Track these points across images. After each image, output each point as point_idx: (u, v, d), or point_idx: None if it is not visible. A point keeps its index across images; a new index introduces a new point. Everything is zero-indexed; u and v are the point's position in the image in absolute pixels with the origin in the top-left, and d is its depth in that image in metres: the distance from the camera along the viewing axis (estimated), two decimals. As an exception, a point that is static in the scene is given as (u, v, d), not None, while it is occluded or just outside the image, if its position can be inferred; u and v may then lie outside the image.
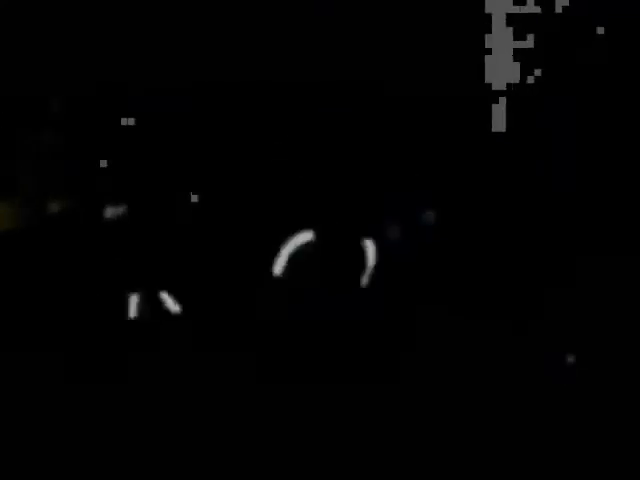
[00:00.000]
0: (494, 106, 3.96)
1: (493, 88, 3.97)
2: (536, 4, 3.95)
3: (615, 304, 3.76)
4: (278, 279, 3.85)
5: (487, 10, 3.96)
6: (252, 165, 4.04)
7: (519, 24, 3.96)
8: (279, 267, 3.86)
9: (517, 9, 3.96)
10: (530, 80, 3.95)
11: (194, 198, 4.01)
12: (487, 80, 3.98)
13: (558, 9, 3.92)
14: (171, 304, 3.90)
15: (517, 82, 3.96)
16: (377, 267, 3.87)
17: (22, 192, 4.06)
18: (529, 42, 3.95)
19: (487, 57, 3.97)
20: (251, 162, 4.04)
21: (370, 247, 3.88)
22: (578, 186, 3.90)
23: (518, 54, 3.96)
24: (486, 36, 3.97)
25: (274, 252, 3.88)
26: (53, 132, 4.08)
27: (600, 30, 3.90)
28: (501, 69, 3.97)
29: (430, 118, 4.00)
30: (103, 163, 4.04)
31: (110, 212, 4.00)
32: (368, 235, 3.90)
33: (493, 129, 3.96)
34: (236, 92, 4.01)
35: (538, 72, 3.94)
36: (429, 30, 3.98)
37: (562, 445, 3.31)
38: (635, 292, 3.76)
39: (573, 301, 3.78)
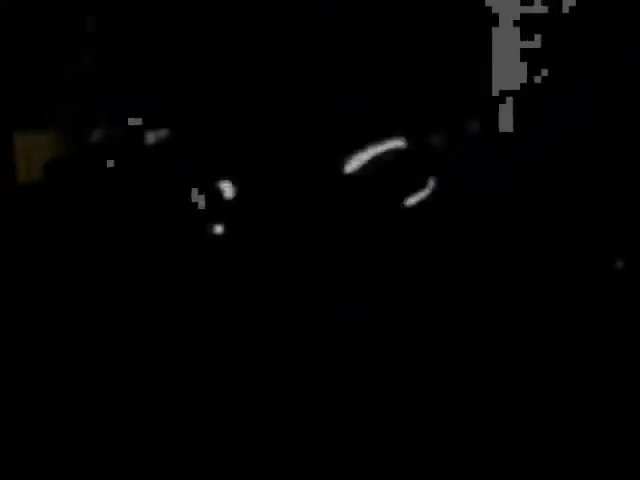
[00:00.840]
0: (501, 106, 3.99)
1: (500, 88, 3.99)
2: (543, 4, 3.97)
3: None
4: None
5: (494, 10, 3.98)
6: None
7: (526, 24, 3.97)
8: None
9: (524, 9, 3.97)
10: (537, 80, 3.97)
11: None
12: (494, 79, 4.00)
13: (565, 9, 3.94)
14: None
15: (524, 82, 3.98)
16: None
17: (62, 122, 4.11)
18: (536, 42, 3.96)
19: (494, 57, 3.99)
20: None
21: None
22: (585, 183, 3.92)
23: (525, 54, 3.98)
24: (493, 36, 3.99)
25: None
26: (91, 63, 4.13)
27: (605, 30, 3.92)
28: (508, 69, 3.99)
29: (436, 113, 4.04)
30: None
31: (152, 137, 4.03)
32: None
33: (500, 130, 3.99)
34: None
35: (545, 72, 3.96)
36: (436, 29, 4.00)
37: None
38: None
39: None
